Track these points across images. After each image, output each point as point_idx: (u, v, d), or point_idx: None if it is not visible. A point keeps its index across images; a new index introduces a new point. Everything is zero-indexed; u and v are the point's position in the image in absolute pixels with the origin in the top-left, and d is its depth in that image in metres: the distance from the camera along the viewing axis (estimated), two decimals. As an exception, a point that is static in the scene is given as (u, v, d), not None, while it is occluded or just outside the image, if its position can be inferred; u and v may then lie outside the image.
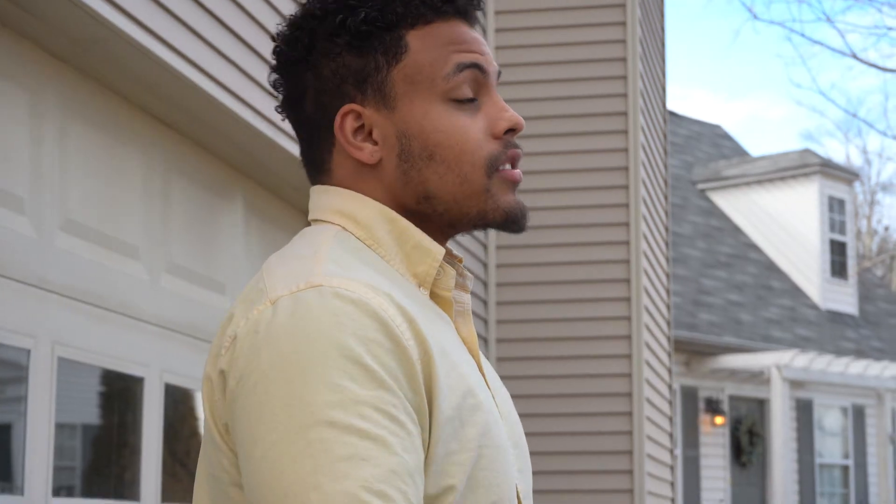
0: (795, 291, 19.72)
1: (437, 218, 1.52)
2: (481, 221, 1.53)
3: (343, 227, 1.51)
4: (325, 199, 1.54)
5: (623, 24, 7.61)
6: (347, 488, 1.26)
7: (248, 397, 1.33)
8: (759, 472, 17.84)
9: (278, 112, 1.59)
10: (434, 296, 1.52)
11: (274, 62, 1.57)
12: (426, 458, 1.35)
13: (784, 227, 20.07)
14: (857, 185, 22.21)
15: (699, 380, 16.94)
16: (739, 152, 23.39)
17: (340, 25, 1.50)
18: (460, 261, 1.57)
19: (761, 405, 17.85)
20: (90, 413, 4.04)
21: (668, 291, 9.10)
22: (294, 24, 1.55)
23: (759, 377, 16.97)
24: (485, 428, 1.42)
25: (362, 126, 1.51)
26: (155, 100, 3.96)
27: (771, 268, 19.93)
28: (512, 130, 1.52)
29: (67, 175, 3.66)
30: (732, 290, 18.40)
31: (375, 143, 1.51)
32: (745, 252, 19.85)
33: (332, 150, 1.53)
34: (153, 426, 4.09)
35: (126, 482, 4.04)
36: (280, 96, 1.58)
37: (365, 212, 1.51)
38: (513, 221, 1.53)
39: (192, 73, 3.79)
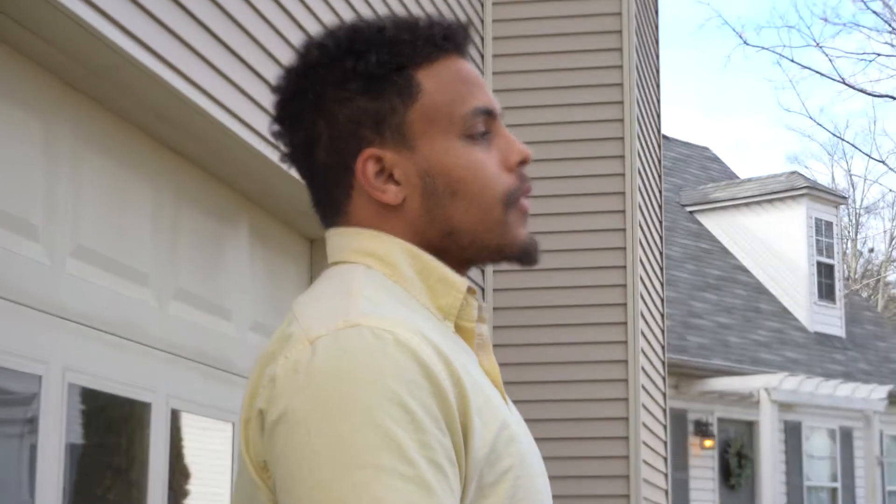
0: (784, 314, 19.76)
1: (458, 252, 1.56)
2: (498, 255, 1.57)
3: (368, 266, 1.52)
4: (346, 240, 1.55)
5: (619, 49, 7.65)
6: None
7: (290, 436, 1.34)
8: (748, 495, 17.84)
9: (284, 162, 1.59)
10: (457, 328, 1.54)
11: (277, 114, 1.57)
12: (462, 495, 1.37)
13: (772, 249, 20.12)
14: (842, 207, 22.25)
15: (688, 402, 16.96)
16: (728, 175, 23.46)
17: (352, 71, 1.52)
18: (473, 293, 1.59)
19: (750, 427, 17.86)
20: (99, 438, 4.05)
21: (662, 315, 9.12)
22: (298, 73, 1.55)
23: (748, 399, 16.98)
24: (520, 458, 1.45)
25: (383, 168, 1.53)
26: (165, 127, 3.98)
27: (759, 290, 19.97)
28: (523, 162, 1.56)
29: (80, 202, 3.67)
30: (721, 313, 18.43)
31: (398, 184, 1.53)
32: (734, 274, 19.89)
33: (351, 193, 1.54)
34: (160, 451, 4.10)
35: (134, 507, 4.04)
36: (284, 147, 1.58)
37: (387, 249, 1.52)
38: (528, 255, 1.58)
39: (200, 98, 3.81)
